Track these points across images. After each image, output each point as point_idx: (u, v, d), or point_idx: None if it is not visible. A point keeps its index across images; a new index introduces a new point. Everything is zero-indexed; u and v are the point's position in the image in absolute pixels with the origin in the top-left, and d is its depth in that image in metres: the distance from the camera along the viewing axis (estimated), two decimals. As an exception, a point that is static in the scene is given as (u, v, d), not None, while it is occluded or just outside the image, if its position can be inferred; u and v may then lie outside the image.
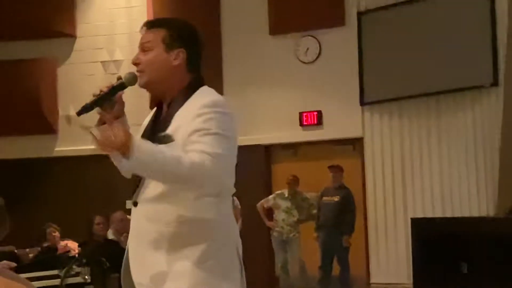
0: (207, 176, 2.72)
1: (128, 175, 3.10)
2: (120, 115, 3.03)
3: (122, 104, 3.04)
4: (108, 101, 2.92)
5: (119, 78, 2.96)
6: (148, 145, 2.74)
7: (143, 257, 2.88)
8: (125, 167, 2.92)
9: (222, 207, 2.89)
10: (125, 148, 2.66)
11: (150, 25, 2.97)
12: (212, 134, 2.75)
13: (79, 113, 3.04)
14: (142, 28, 2.99)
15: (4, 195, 2.12)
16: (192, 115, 2.80)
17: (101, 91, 2.97)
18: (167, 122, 2.89)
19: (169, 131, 2.86)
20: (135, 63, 2.96)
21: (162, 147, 2.76)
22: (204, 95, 2.88)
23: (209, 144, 2.73)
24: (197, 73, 2.96)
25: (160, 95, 3.05)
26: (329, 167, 10.50)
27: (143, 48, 2.93)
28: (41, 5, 12.61)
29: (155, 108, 3.16)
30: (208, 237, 2.83)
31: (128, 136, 2.66)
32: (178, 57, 2.91)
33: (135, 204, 2.96)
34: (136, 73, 3.00)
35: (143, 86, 3.04)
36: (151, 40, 2.92)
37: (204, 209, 2.83)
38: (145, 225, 2.89)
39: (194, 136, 2.76)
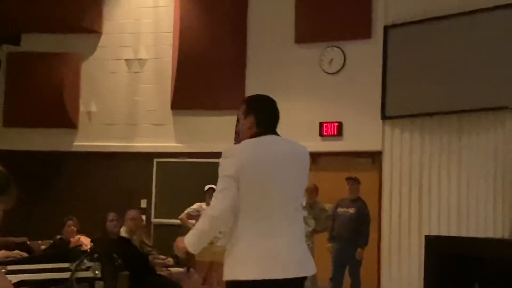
0: (214, 216, 3.99)
1: None
2: None
3: None
4: None
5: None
6: (190, 238, 4.08)
7: None
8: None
9: (240, 224, 4.00)
10: (185, 252, 4.14)
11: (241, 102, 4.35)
12: (219, 177, 4.02)
13: None
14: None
15: (21, 186, 2.13)
16: None
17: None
18: None
19: None
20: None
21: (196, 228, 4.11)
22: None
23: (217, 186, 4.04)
24: (264, 128, 4.16)
25: None
26: (347, 178, 10.47)
27: (240, 116, 4.28)
28: (68, 0, 12.69)
29: None
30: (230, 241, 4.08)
31: (184, 246, 4.07)
32: (249, 121, 4.19)
33: None
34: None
35: None
36: (239, 114, 4.27)
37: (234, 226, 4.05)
38: None
39: None
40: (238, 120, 4.41)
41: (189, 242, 4.04)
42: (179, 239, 4.12)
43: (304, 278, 4.15)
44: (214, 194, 4.04)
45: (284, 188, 4.04)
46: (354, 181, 10.42)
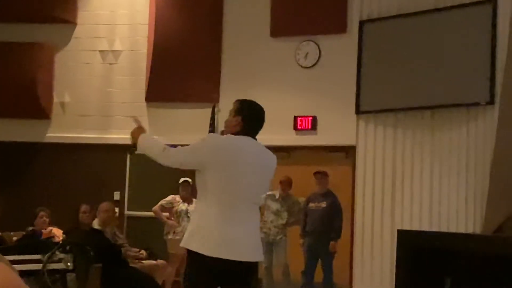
0: (168, 160, 4.71)
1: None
2: None
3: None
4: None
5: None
6: (145, 139, 4.88)
7: None
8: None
9: (209, 204, 4.60)
10: (135, 140, 4.91)
11: (235, 101, 4.94)
12: (195, 146, 4.72)
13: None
14: None
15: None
16: None
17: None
18: None
19: None
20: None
21: (156, 141, 4.92)
22: None
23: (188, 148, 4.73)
24: (246, 130, 4.75)
25: None
26: (315, 173, 10.48)
27: (229, 113, 4.85)
28: (43, -11, 12.59)
29: None
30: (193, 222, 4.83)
31: (139, 133, 4.91)
32: (236, 120, 4.77)
33: None
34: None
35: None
36: (231, 109, 4.85)
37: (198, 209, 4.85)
38: None
39: None
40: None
41: (143, 143, 4.84)
42: (140, 131, 4.95)
43: (257, 264, 4.87)
44: (183, 148, 4.71)
45: (250, 184, 4.67)
46: (322, 175, 10.44)
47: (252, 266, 4.75)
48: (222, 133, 5.05)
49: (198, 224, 4.61)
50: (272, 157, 4.90)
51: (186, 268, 4.73)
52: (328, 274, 10.21)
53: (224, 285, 4.61)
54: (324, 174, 10.46)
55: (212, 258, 4.46)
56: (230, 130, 4.81)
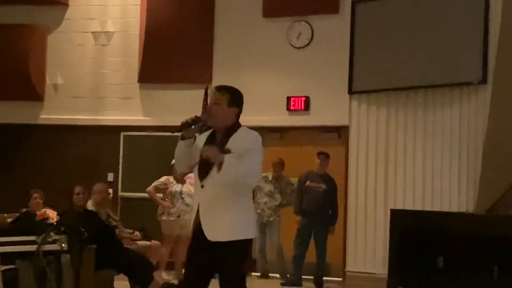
0: (251, 176, 4.75)
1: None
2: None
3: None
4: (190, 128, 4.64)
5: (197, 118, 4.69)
6: (228, 160, 4.48)
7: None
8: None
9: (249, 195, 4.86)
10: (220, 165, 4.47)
11: (219, 88, 4.78)
12: (254, 152, 4.63)
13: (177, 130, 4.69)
14: (213, 89, 4.85)
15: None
16: (245, 141, 4.63)
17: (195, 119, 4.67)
18: (224, 142, 4.63)
19: (228, 146, 4.61)
20: (210, 110, 4.72)
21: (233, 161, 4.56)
22: (247, 131, 4.76)
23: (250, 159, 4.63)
24: (238, 118, 4.73)
25: (218, 128, 4.74)
26: (318, 153, 10.42)
27: (215, 102, 4.70)
28: (34, -29, 12.52)
29: (211, 130, 4.84)
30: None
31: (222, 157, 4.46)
32: (233, 112, 4.71)
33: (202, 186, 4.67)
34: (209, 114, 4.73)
35: (211, 125, 4.74)
36: (220, 99, 4.69)
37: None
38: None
39: (247, 152, 4.59)
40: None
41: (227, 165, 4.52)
42: (216, 150, 4.54)
43: None
44: (254, 160, 4.64)
45: None
46: (325, 156, 10.40)
47: None
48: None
49: (247, 216, 4.74)
50: None
51: (237, 261, 4.69)
52: (322, 255, 10.18)
53: None
54: (327, 156, 10.41)
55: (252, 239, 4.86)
56: (225, 120, 4.73)
